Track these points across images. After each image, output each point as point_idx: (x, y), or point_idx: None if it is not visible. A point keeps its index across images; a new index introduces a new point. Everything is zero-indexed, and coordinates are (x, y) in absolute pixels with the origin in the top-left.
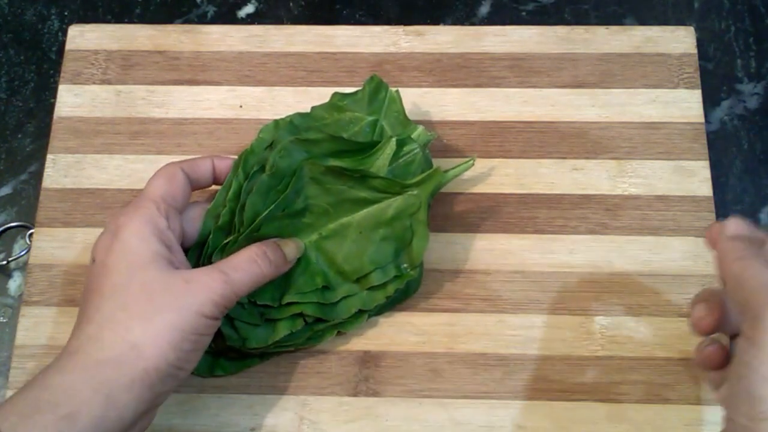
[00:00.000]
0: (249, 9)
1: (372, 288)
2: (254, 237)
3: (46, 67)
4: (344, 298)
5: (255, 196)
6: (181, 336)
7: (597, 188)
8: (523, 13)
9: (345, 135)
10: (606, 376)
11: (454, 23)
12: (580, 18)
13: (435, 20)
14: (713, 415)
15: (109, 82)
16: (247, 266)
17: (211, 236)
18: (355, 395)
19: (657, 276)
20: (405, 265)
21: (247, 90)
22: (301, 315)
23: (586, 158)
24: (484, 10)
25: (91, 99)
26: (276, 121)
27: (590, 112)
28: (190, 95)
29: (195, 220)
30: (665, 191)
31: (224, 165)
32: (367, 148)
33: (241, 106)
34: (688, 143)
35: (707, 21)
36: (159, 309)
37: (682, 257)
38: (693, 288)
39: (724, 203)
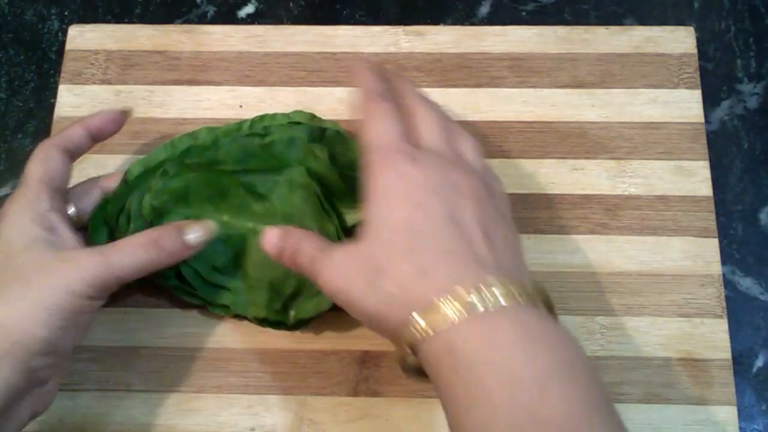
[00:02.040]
0: (249, 9)
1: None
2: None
3: (46, 67)
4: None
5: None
6: (48, 313)
7: (597, 188)
8: (523, 13)
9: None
10: (606, 376)
11: (454, 23)
12: (580, 18)
13: (435, 20)
14: (714, 415)
15: (109, 82)
16: (132, 251)
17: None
18: (355, 395)
19: (657, 276)
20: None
21: (247, 90)
22: None
23: (586, 158)
24: (484, 10)
25: (91, 99)
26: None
27: (590, 112)
28: (190, 95)
29: (88, 195)
30: (665, 191)
31: (96, 121)
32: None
33: (241, 106)
34: (688, 143)
35: (707, 21)
36: (29, 288)
37: (682, 257)
38: (693, 288)
39: (724, 203)
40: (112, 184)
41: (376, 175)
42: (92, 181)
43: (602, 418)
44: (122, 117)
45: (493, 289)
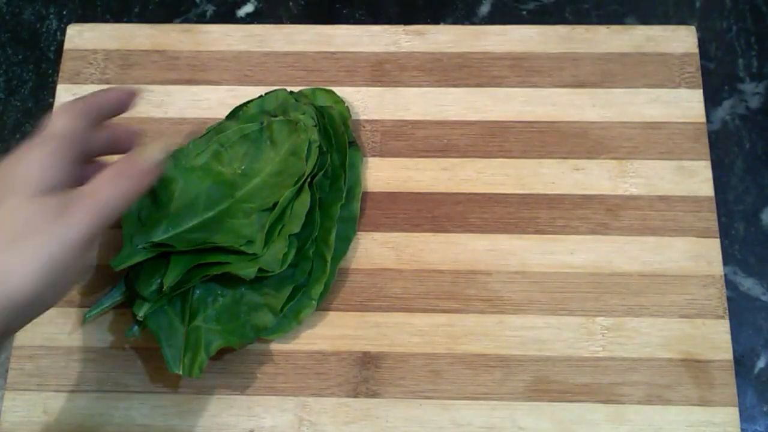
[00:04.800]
0: (248, 8)
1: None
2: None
3: (44, 66)
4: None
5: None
6: (41, 267)
7: (598, 188)
8: (524, 13)
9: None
10: (607, 377)
11: (455, 22)
12: (581, 17)
13: (435, 19)
14: (715, 416)
15: (107, 82)
16: (109, 188)
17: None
18: (355, 396)
19: (658, 276)
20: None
21: (246, 90)
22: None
23: (587, 158)
24: (484, 9)
25: None
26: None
27: (591, 111)
28: (189, 95)
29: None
30: (666, 191)
31: (122, 95)
32: None
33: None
34: (689, 143)
35: (709, 20)
36: (26, 238)
37: (684, 257)
38: (694, 288)
39: (725, 203)
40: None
41: None
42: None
43: None
44: (134, 97)
45: None
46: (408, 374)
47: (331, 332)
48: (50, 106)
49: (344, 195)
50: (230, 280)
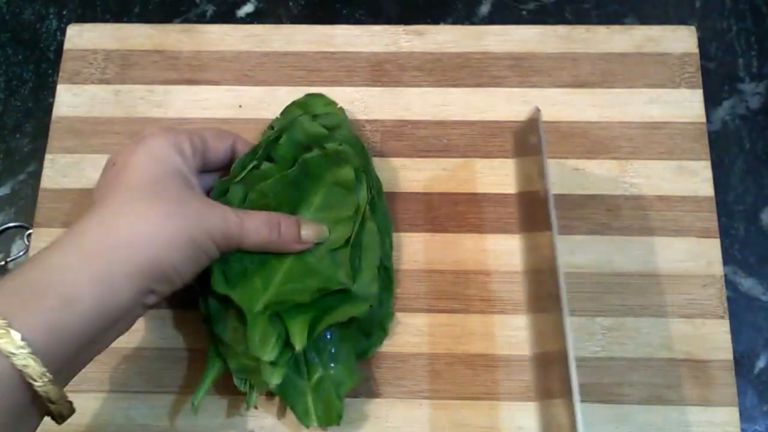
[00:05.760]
0: (248, 8)
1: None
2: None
3: (44, 66)
4: None
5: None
6: (187, 244)
7: (598, 188)
8: (524, 13)
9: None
10: (607, 377)
11: (455, 22)
12: (581, 17)
13: (435, 19)
14: (715, 416)
15: (107, 82)
16: (258, 225)
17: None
18: (355, 396)
19: (658, 276)
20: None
21: (246, 89)
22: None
23: (588, 158)
24: (484, 9)
25: (90, 99)
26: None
27: (591, 111)
28: (189, 95)
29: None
30: (667, 191)
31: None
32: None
33: (240, 106)
34: (689, 143)
35: (709, 20)
36: (174, 215)
37: (684, 258)
38: (694, 288)
39: (725, 203)
40: (241, 148)
41: None
42: (226, 136)
43: None
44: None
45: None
46: (408, 374)
47: None
48: (50, 106)
49: (375, 195)
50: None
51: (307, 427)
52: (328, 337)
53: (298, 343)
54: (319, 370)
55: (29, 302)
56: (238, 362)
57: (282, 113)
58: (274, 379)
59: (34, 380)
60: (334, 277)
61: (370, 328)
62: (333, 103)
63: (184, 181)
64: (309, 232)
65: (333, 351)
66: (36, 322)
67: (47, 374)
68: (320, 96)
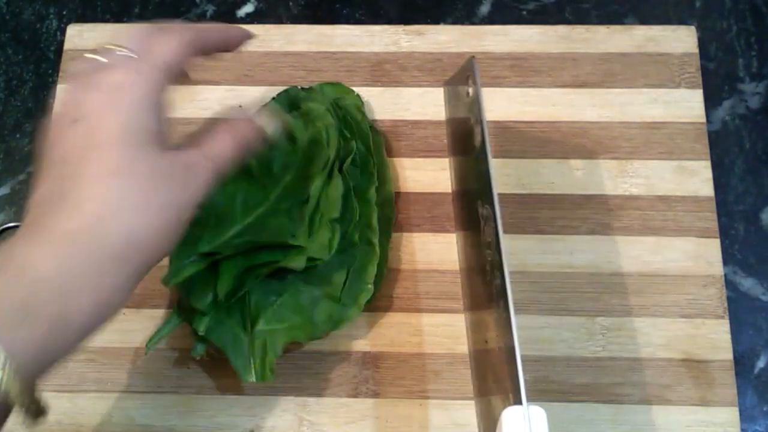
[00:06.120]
0: (248, 8)
1: None
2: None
3: (44, 66)
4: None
5: None
6: (174, 226)
7: (598, 188)
8: (524, 13)
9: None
10: (607, 377)
11: (455, 22)
12: (581, 17)
13: (435, 19)
14: (715, 416)
15: None
16: (222, 145)
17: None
18: (355, 396)
19: (658, 276)
20: None
21: (246, 89)
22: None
23: (588, 158)
24: (484, 9)
25: None
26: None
27: (591, 111)
28: (188, 95)
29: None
30: (667, 191)
31: (236, 33)
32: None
33: (240, 106)
34: (689, 143)
35: (709, 20)
36: (151, 196)
37: (684, 258)
38: (694, 288)
39: (725, 203)
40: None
41: None
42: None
43: None
44: (245, 39)
45: None
46: (408, 374)
47: (331, 332)
48: (50, 106)
49: (376, 178)
50: (284, 279)
51: (246, 381)
52: (278, 296)
53: (221, 291)
54: (261, 324)
55: (19, 325)
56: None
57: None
58: (201, 328)
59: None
60: (285, 231)
61: (337, 295)
62: (349, 91)
63: (157, 142)
64: (267, 117)
65: (279, 310)
66: (25, 348)
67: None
68: (337, 84)
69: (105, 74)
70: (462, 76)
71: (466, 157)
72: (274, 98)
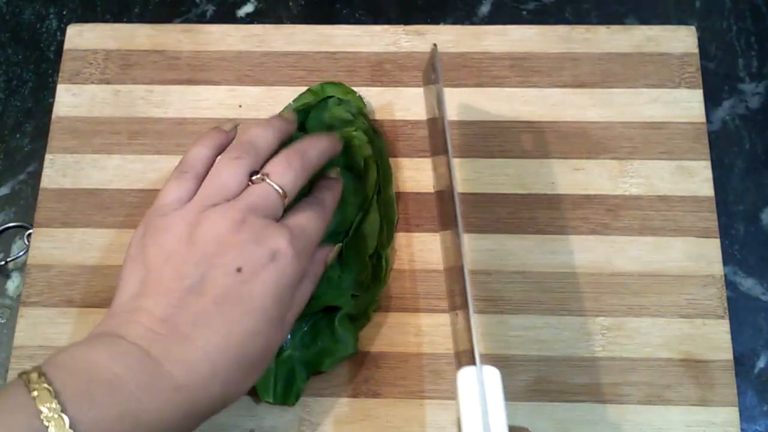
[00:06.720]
0: (248, 8)
1: None
2: None
3: (44, 66)
4: None
5: None
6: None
7: (598, 188)
8: (524, 13)
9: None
10: (607, 377)
11: (455, 22)
12: (581, 17)
13: (435, 19)
14: (715, 416)
15: (107, 82)
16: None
17: None
18: (355, 397)
19: (658, 276)
20: None
21: (246, 89)
22: None
23: (587, 158)
24: (484, 9)
25: (90, 99)
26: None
27: (591, 111)
28: (189, 95)
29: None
30: (666, 191)
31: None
32: None
33: (240, 106)
34: (689, 143)
35: (709, 20)
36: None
37: (684, 258)
38: (694, 289)
39: (725, 203)
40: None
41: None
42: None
43: None
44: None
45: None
46: (408, 374)
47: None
48: (50, 106)
49: (378, 183)
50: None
51: (263, 399)
52: (306, 319)
53: None
54: (288, 349)
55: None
56: None
57: (295, 100)
58: None
59: None
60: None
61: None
62: (352, 92)
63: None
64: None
65: (306, 331)
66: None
67: None
68: (339, 85)
69: (271, 241)
70: (429, 69)
71: (442, 156)
72: (313, 110)
